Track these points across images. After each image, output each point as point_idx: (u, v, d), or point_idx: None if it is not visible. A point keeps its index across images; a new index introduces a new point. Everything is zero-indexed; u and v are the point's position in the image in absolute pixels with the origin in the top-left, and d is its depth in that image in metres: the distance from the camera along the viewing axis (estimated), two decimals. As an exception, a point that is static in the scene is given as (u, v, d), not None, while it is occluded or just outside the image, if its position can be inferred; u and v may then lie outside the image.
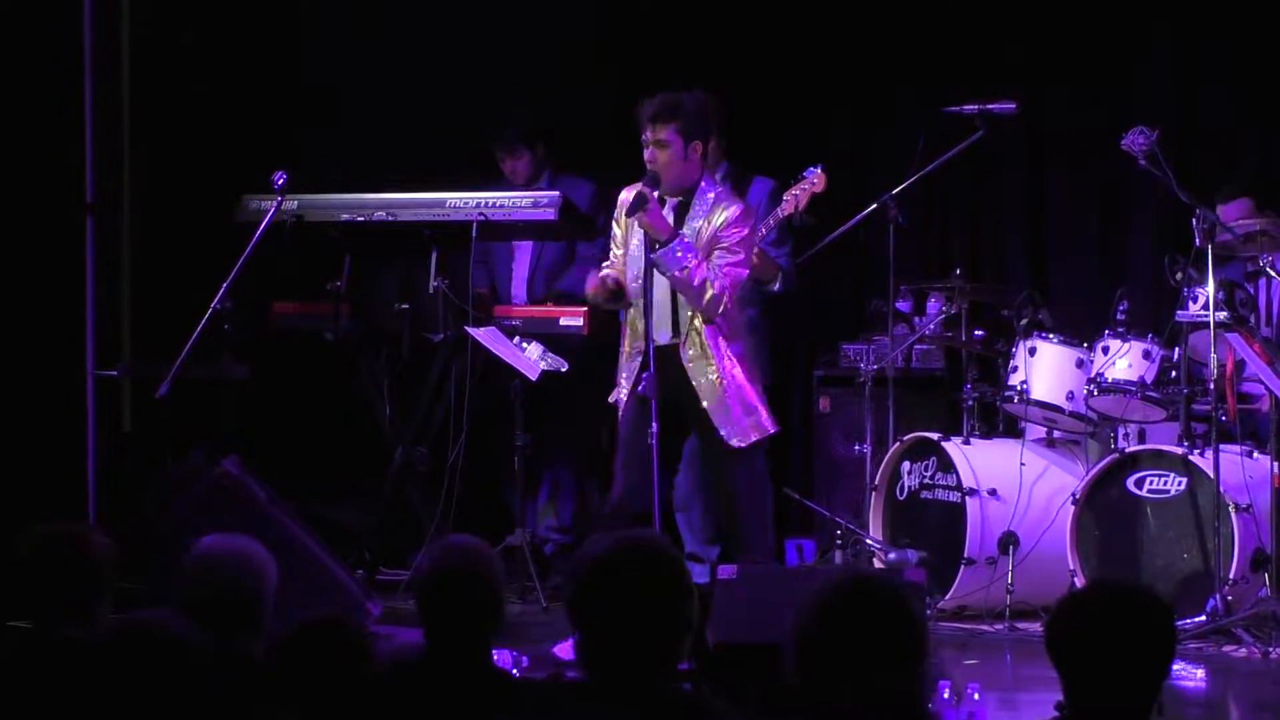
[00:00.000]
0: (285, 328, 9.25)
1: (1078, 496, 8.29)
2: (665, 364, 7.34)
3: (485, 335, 8.45)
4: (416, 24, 10.09)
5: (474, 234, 8.68)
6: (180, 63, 9.78)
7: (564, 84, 9.93)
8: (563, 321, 8.87)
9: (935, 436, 8.74)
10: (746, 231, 7.43)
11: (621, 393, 7.52)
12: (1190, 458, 8.09)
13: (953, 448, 8.64)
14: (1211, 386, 8.05)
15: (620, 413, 7.54)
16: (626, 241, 7.52)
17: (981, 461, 8.59)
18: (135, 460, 9.14)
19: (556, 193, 8.84)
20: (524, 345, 8.42)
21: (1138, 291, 8.90)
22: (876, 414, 8.95)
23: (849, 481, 9.34)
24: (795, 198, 8.58)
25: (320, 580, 7.56)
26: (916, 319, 9.36)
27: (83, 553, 4.80)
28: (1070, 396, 8.54)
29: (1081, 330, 8.74)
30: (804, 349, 10.12)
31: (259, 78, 9.90)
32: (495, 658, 7.03)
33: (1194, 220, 7.99)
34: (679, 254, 7.24)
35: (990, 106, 8.84)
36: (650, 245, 7.30)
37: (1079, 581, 8.12)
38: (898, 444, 8.84)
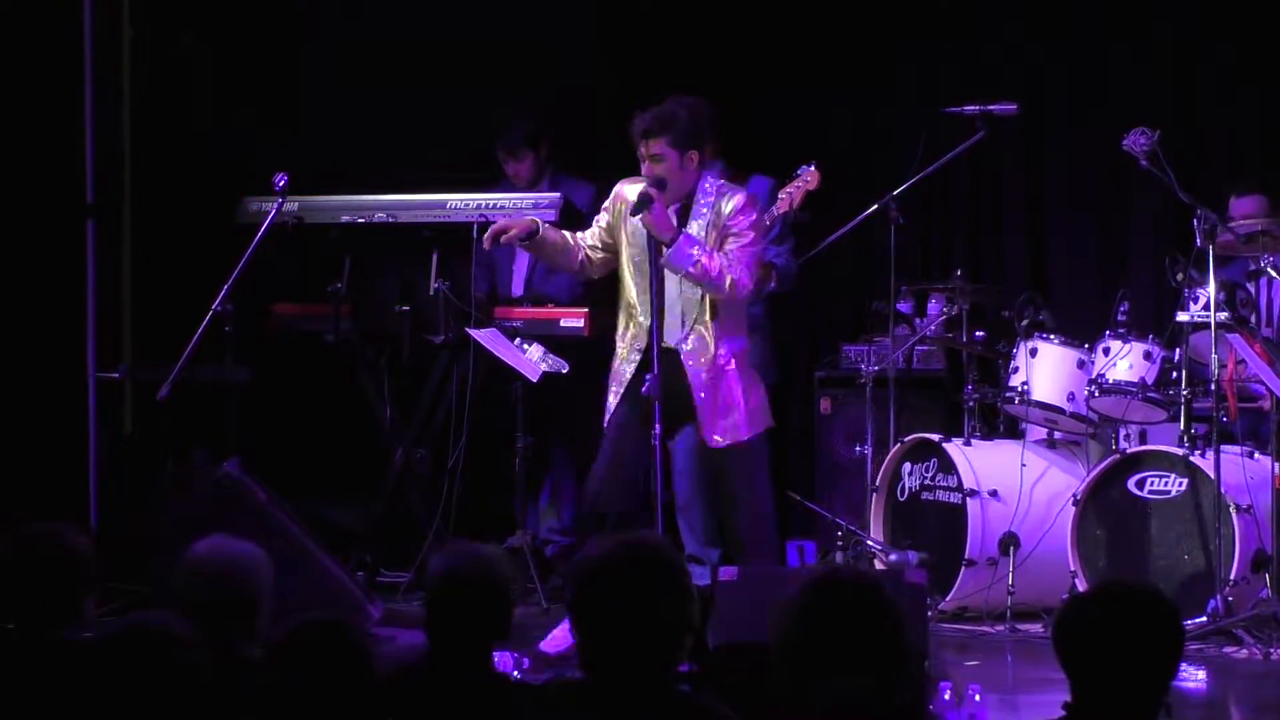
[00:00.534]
0: (286, 329, 9.25)
1: (1079, 497, 8.29)
2: (664, 365, 7.33)
3: (486, 337, 8.44)
4: (416, 25, 10.09)
5: (474, 235, 8.68)
6: (180, 64, 9.78)
7: (564, 86, 9.93)
8: (564, 323, 8.87)
9: (936, 438, 8.74)
10: (755, 216, 7.46)
11: (613, 396, 7.50)
12: (1191, 458, 8.08)
13: (954, 449, 8.64)
14: (1212, 387, 8.05)
15: (608, 416, 7.51)
16: (622, 242, 7.50)
17: (982, 463, 8.59)
18: (136, 462, 9.14)
19: (557, 194, 8.85)
20: (525, 347, 8.41)
21: (1138, 292, 8.91)
22: (877, 415, 8.94)
23: (850, 483, 9.34)
24: (790, 195, 8.57)
25: (321, 582, 7.56)
26: (917, 320, 9.36)
27: (62, 551, 4.78)
28: (1071, 397, 8.54)
29: (1082, 331, 8.74)
30: (805, 350, 10.11)
31: (259, 79, 9.89)
32: (496, 660, 7.08)
33: (1195, 221, 7.99)
34: (687, 250, 7.25)
35: (991, 107, 8.83)
36: (657, 249, 7.31)
37: (1080, 583, 8.12)
38: (899, 445, 8.84)
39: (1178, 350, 8.25)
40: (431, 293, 8.79)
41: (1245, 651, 7.73)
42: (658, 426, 7.13)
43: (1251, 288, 8.41)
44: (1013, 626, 8.25)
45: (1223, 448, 7.97)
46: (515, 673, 6.91)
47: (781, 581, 7.11)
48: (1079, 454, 8.77)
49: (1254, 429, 8.43)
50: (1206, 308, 7.95)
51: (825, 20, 10.21)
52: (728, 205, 7.40)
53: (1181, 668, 7.33)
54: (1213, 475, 7.93)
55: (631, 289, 7.46)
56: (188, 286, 8.88)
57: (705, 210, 7.39)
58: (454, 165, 9.37)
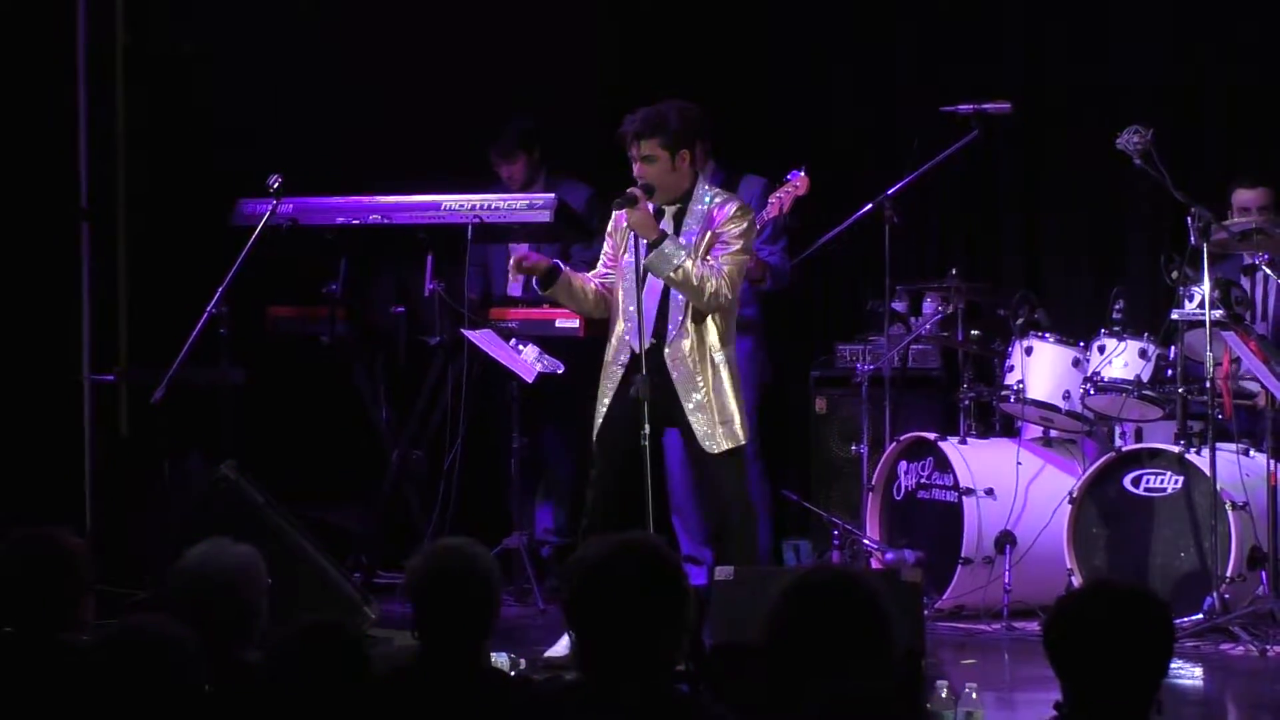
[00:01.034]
0: (281, 331, 9.25)
1: (1074, 495, 8.30)
2: (652, 365, 7.30)
3: (481, 338, 8.45)
4: (415, 25, 10.08)
5: (469, 236, 8.69)
6: (174, 66, 9.78)
7: (561, 87, 9.93)
8: (559, 323, 8.87)
9: (932, 436, 8.74)
10: (746, 225, 7.41)
11: (602, 396, 7.47)
12: (1187, 456, 8.09)
13: (949, 448, 8.64)
14: (1208, 385, 8.05)
15: (599, 421, 7.48)
16: (618, 254, 7.50)
17: (978, 461, 8.59)
18: (132, 465, 9.14)
19: (551, 195, 8.85)
20: (520, 347, 8.41)
21: (1133, 290, 8.90)
22: (873, 414, 8.95)
23: (846, 482, 9.34)
24: (780, 200, 8.60)
25: (318, 584, 7.56)
26: (913, 319, 9.36)
27: (55, 554, 4.78)
28: (1066, 396, 8.55)
29: (1077, 329, 8.74)
30: (800, 349, 10.11)
31: (254, 80, 9.89)
32: (493, 659, 7.08)
33: (1189, 218, 7.99)
34: (670, 253, 7.21)
35: (985, 106, 8.85)
36: (644, 249, 7.29)
37: (1076, 581, 8.13)
38: (894, 444, 8.84)
39: (1173, 348, 8.25)
40: (427, 294, 8.79)
41: (1241, 648, 7.74)
42: (646, 427, 7.11)
43: (1246, 284, 8.42)
44: (1009, 625, 8.25)
45: (1218, 445, 7.98)
46: (512, 674, 6.92)
47: (777, 582, 7.12)
48: (1075, 452, 8.78)
49: (1249, 426, 8.43)
50: (1201, 305, 7.95)
51: (821, 20, 10.21)
52: (721, 211, 7.37)
53: (1177, 665, 7.39)
54: (1208, 473, 7.93)
55: (621, 288, 7.45)
56: (182, 289, 8.87)
57: (699, 216, 7.38)
58: (453, 166, 9.37)
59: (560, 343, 8.70)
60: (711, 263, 7.28)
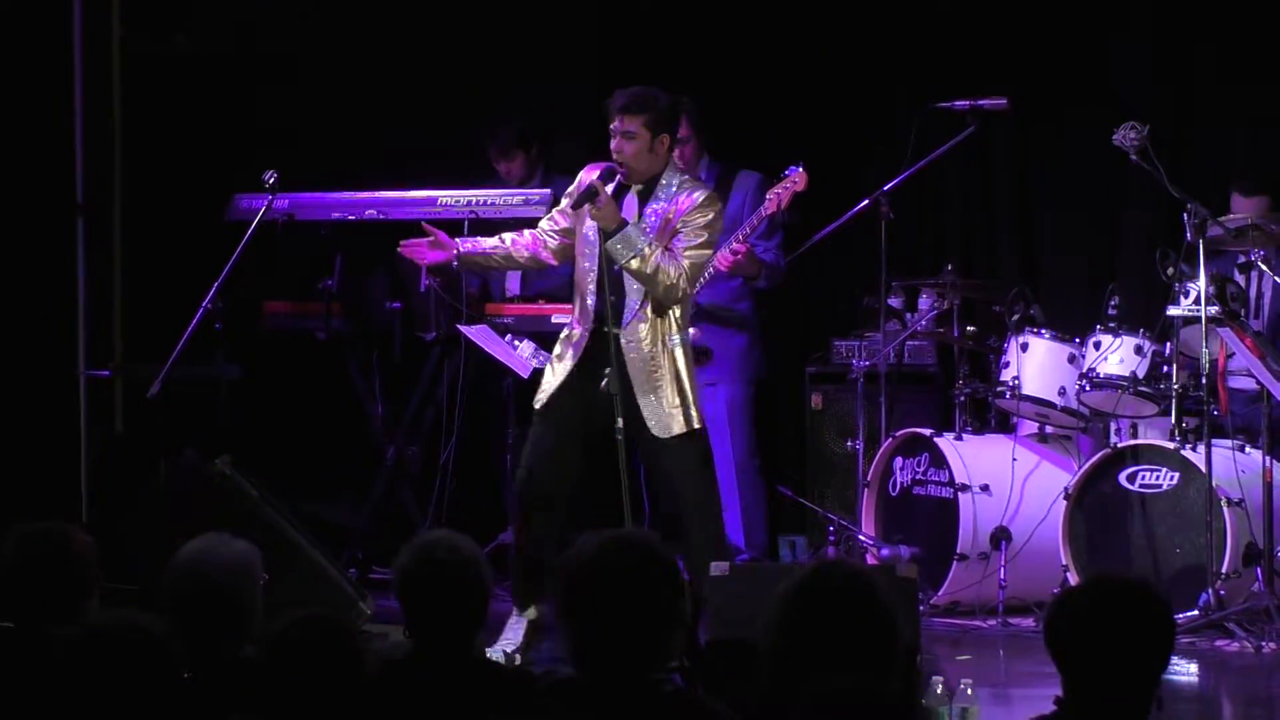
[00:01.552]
0: (277, 327, 9.25)
1: (1070, 492, 8.30)
2: (604, 350, 7.26)
3: (477, 333, 8.44)
4: (415, 24, 10.08)
5: (465, 232, 8.68)
6: (170, 62, 9.78)
7: (558, 83, 9.92)
8: (555, 319, 8.85)
9: (927, 432, 8.74)
10: (712, 216, 7.32)
11: (550, 374, 7.43)
12: (1182, 452, 8.09)
13: (945, 444, 8.64)
14: (1204, 381, 8.05)
15: (546, 397, 7.42)
16: (576, 226, 7.43)
17: (974, 457, 8.59)
18: (127, 460, 9.13)
19: (547, 190, 8.84)
20: (516, 343, 8.41)
21: (1129, 286, 8.91)
22: (868, 410, 8.95)
23: (841, 478, 9.34)
24: (778, 196, 8.58)
25: (313, 579, 7.56)
26: (908, 315, 9.36)
27: (65, 550, 4.78)
28: (1062, 392, 8.55)
29: (1073, 326, 8.74)
30: (796, 345, 10.11)
31: (251, 76, 9.89)
32: (489, 654, 7.08)
33: (1185, 215, 7.99)
34: (632, 241, 7.16)
35: (981, 102, 8.84)
36: (603, 236, 7.25)
37: (1071, 577, 8.13)
38: (890, 440, 8.84)
39: (1168, 344, 8.25)
40: (422, 290, 8.79)
41: (1237, 645, 7.74)
42: (619, 421, 7.08)
43: (1241, 281, 8.42)
44: (1004, 621, 8.25)
45: (1214, 441, 7.98)
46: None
47: (773, 577, 7.11)
48: (1070, 448, 8.78)
49: (1245, 421, 8.43)
50: (1197, 302, 7.95)
51: (818, 18, 10.20)
52: (689, 198, 7.30)
53: (1173, 661, 7.39)
54: (1204, 469, 7.93)
55: (581, 271, 7.40)
56: (178, 284, 8.86)
57: (663, 199, 7.32)
58: (450, 161, 9.36)
59: (556, 338, 8.68)
60: (673, 254, 7.23)
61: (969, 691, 5.89)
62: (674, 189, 7.31)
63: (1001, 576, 8.36)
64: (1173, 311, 8.09)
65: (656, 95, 7.35)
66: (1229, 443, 8.14)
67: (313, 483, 9.16)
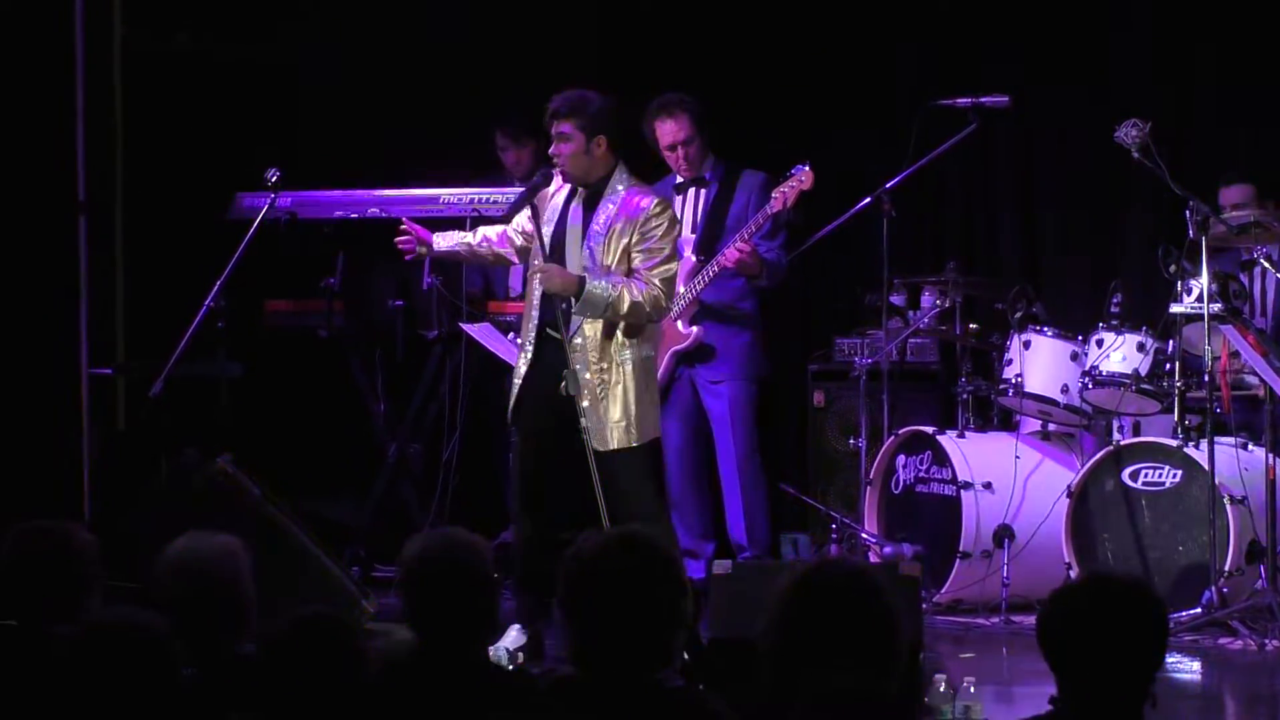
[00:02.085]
0: (279, 325, 9.25)
1: (1073, 489, 8.29)
2: (556, 353, 7.23)
3: (479, 331, 8.44)
4: (415, 23, 10.08)
5: (468, 229, 8.68)
6: (172, 60, 9.78)
7: (564, 86, 9.90)
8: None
9: (930, 430, 8.74)
10: (667, 223, 7.22)
11: (515, 380, 7.41)
12: (1185, 450, 8.09)
13: (948, 441, 8.64)
14: (1206, 379, 8.05)
15: (511, 408, 7.38)
16: (538, 230, 7.41)
17: (976, 455, 8.59)
18: (129, 458, 9.13)
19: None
20: (518, 341, 8.40)
21: (1132, 284, 8.90)
22: (871, 408, 8.95)
23: (844, 476, 9.34)
24: (784, 195, 8.57)
25: (315, 577, 7.56)
26: (911, 313, 9.35)
27: (66, 549, 4.78)
28: (1065, 389, 8.54)
29: (1076, 323, 8.74)
30: (798, 343, 10.11)
31: (254, 74, 9.89)
32: (492, 654, 7.08)
33: (1187, 212, 7.99)
34: (598, 294, 7.12)
35: (983, 100, 8.84)
36: (557, 246, 7.22)
37: (1074, 574, 8.12)
38: (892, 438, 8.84)
39: (1171, 342, 8.25)
40: (425, 288, 8.79)
41: (1240, 643, 7.73)
42: (583, 421, 7.05)
43: (1244, 278, 8.42)
44: (1007, 619, 8.25)
45: (1217, 439, 7.98)
46: (510, 667, 6.92)
47: (776, 575, 7.10)
48: (1073, 446, 8.78)
49: (1248, 419, 8.43)
50: (1200, 299, 7.94)
51: (820, 16, 10.20)
52: (641, 202, 7.21)
53: (1175, 659, 7.38)
54: (1207, 466, 7.93)
55: (533, 280, 7.37)
56: (180, 282, 8.87)
57: (612, 206, 7.28)
58: (453, 165, 9.36)
59: (558, 337, 8.69)
60: (646, 277, 7.15)
61: (972, 689, 5.90)
62: (621, 191, 7.28)
63: (1004, 574, 8.36)
64: (1175, 309, 8.08)
65: (588, 98, 7.34)
66: (1232, 440, 8.14)
67: (315, 481, 9.16)
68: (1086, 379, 8.39)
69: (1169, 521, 8.18)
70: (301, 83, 9.96)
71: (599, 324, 7.20)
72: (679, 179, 8.84)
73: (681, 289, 8.49)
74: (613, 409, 7.19)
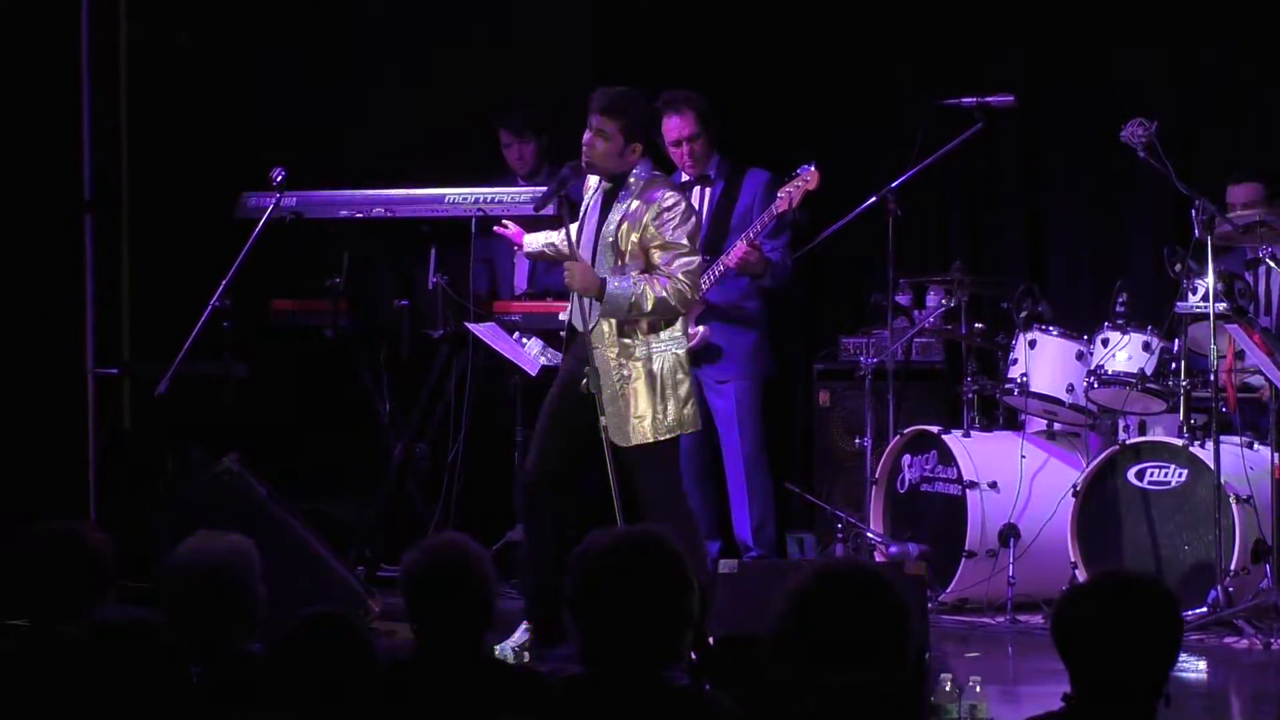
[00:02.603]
0: (284, 325, 9.25)
1: (1078, 489, 8.29)
2: (579, 349, 7.28)
3: (485, 331, 8.45)
4: (415, 22, 10.08)
5: (473, 229, 8.69)
6: (178, 60, 9.78)
7: (564, 86, 9.92)
8: (562, 316, 8.85)
9: (935, 429, 8.74)
10: (680, 216, 7.21)
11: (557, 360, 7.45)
12: (1191, 449, 8.09)
13: (953, 440, 8.64)
14: (1211, 378, 8.05)
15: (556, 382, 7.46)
16: (567, 225, 7.44)
17: (982, 454, 8.59)
18: (135, 458, 9.14)
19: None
20: (524, 341, 8.41)
21: (1137, 283, 8.90)
22: (876, 407, 8.95)
23: (849, 475, 9.34)
24: (789, 195, 8.57)
25: (321, 577, 7.56)
26: (916, 312, 9.36)
27: (81, 550, 4.79)
28: (1070, 389, 8.54)
29: (1081, 323, 8.74)
30: (803, 343, 10.11)
31: (257, 74, 9.89)
32: (496, 651, 7.09)
33: (1193, 211, 7.99)
34: (619, 295, 7.13)
35: (989, 99, 8.84)
36: (575, 238, 7.26)
37: (1080, 574, 8.13)
38: (898, 437, 8.84)
39: (1176, 341, 8.25)
40: (430, 287, 8.79)
41: (1245, 642, 7.74)
42: (602, 419, 7.07)
43: (1250, 277, 8.42)
44: (1013, 618, 8.25)
45: (1222, 438, 7.97)
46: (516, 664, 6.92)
47: (782, 574, 7.10)
48: (1078, 445, 8.77)
49: (1253, 420, 8.43)
50: (1205, 298, 7.94)
51: (824, 14, 10.20)
52: (654, 201, 7.22)
53: (1181, 658, 7.38)
54: (1212, 466, 7.93)
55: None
56: (186, 282, 8.87)
57: (629, 198, 7.29)
58: (453, 164, 9.36)
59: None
60: (669, 272, 7.16)
61: (977, 688, 5.89)
62: (639, 185, 7.28)
63: (1010, 573, 8.36)
64: (1181, 308, 8.08)
65: (637, 102, 7.34)
66: (1237, 439, 8.14)
67: (320, 480, 9.17)
68: (1092, 378, 8.39)
69: (1174, 521, 8.18)
70: (305, 80, 9.96)
71: (613, 321, 7.21)
72: (684, 177, 8.84)
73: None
74: (636, 404, 7.20)
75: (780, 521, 9.34)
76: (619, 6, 10.40)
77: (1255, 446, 8.18)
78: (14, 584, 4.78)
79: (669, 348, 7.29)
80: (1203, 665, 7.49)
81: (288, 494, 7.80)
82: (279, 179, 8.51)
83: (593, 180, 7.44)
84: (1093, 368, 8.41)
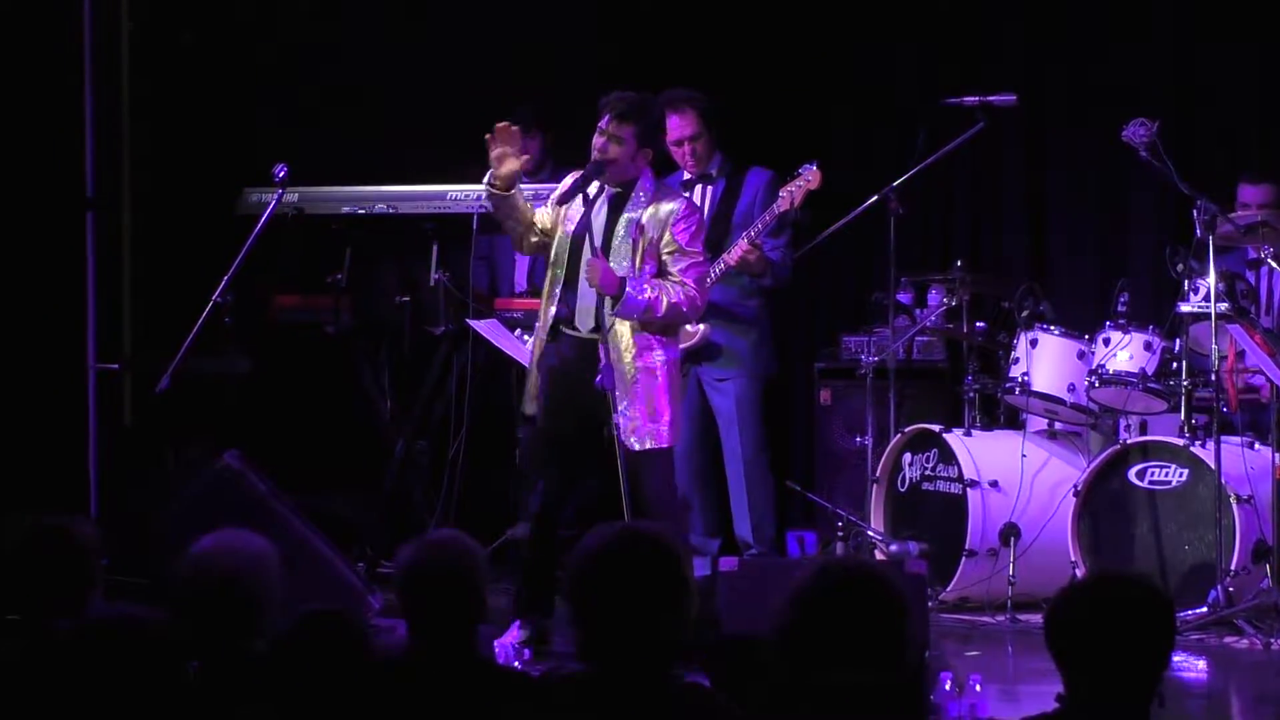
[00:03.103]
0: (286, 321, 9.25)
1: (1079, 488, 8.29)
2: (583, 354, 7.25)
3: (486, 328, 8.45)
4: (416, 21, 10.08)
5: (475, 226, 8.69)
6: (180, 57, 9.78)
7: (564, 86, 9.92)
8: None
9: (936, 428, 8.74)
10: (694, 228, 7.29)
11: (532, 381, 7.42)
12: (1192, 449, 8.08)
13: (954, 439, 8.64)
14: (1213, 378, 8.05)
15: (532, 403, 7.40)
16: (557, 224, 7.43)
17: (983, 453, 8.59)
18: (136, 454, 9.15)
19: (555, 185, 8.83)
20: (525, 337, 8.41)
21: (1138, 283, 8.91)
22: (877, 406, 8.94)
23: (850, 473, 9.34)
24: (791, 194, 8.56)
25: (322, 573, 7.56)
26: (917, 311, 9.36)
27: (69, 543, 4.79)
28: (1071, 388, 8.54)
29: (1082, 322, 8.74)
30: (805, 341, 10.11)
31: (259, 71, 9.89)
32: (497, 650, 7.08)
33: (1195, 211, 7.99)
34: (635, 297, 7.14)
35: (991, 98, 8.84)
36: (609, 303, 7.23)
37: (1080, 573, 8.12)
38: (899, 436, 8.84)
39: (1178, 341, 8.24)
40: (432, 284, 8.80)
41: (1246, 642, 7.73)
42: (616, 416, 7.06)
43: (1251, 277, 8.41)
44: (1013, 617, 8.25)
45: (1223, 438, 7.97)
46: (516, 663, 6.93)
47: (782, 572, 7.11)
48: (1079, 444, 8.77)
49: (1254, 420, 8.43)
50: (1206, 298, 7.94)
51: (825, 14, 10.20)
52: (666, 209, 7.26)
53: (1182, 658, 7.38)
54: (1213, 466, 7.93)
55: (555, 272, 7.38)
56: (187, 278, 8.88)
57: (638, 206, 7.30)
58: (453, 164, 9.37)
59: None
60: (680, 279, 7.20)
61: (977, 688, 5.90)
62: (649, 196, 7.29)
63: (1010, 573, 8.36)
64: (1182, 308, 8.08)
65: (650, 108, 7.37)
66: (1238, 439, 8.13)
67: (321, 476, 9.16)
68: (1093, 378, 8.39)
69: (1175, 521, 8.18)
70: (308, 76, 9.96)
71: (629, 324, 7.21)
72: (686, 176, 8.84)
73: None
74: (643, 407, 7.20)
75: (781, 520, 9.34)
76: (619, 6, 10.40)
77: (1256, 446, 8.18)
78: (3, 578, 4.79)
79: (676, 354, 7.32)
80: (1203, 665, 7.48)
81: (288, 490, 7.80)
82: (281, 175, 8.51)
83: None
84: (1094, 367, 8.40)
